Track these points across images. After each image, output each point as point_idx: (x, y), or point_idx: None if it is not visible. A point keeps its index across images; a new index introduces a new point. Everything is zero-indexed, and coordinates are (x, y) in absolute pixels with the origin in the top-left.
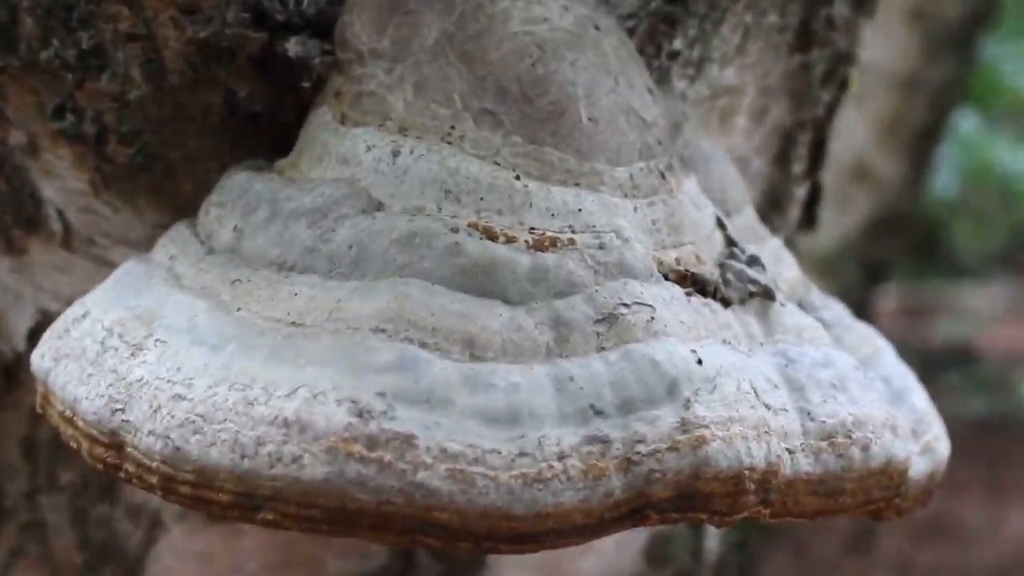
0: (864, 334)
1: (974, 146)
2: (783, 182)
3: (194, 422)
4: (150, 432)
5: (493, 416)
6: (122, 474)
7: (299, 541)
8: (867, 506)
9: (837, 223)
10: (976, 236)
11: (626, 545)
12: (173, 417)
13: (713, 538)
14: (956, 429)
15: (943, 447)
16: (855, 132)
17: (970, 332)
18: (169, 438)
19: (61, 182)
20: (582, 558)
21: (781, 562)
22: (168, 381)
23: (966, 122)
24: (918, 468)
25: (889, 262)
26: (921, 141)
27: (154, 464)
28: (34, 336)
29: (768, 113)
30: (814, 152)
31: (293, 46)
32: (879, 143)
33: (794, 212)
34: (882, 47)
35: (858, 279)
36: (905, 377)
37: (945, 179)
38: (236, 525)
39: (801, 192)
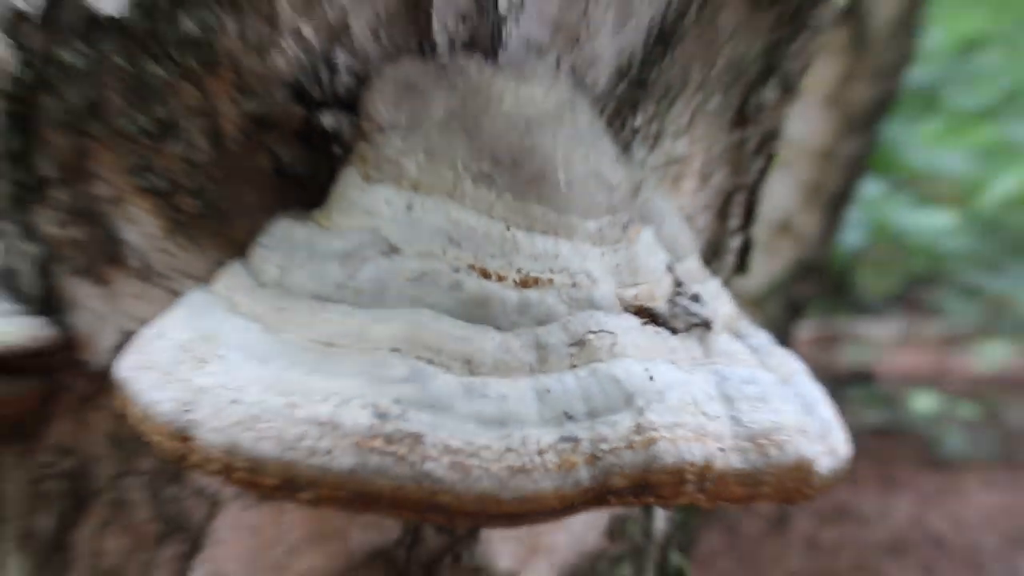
0: (784, 358)
1: (877, 207)
2: (722, 234)
3: (248, 421)
4: (212, 429)
5: (486, 419)
6: (189, 463)
7: (330, 517)
8: (782, 494)
9: (765, 268)
10: (877, 280)
11: (591, 524)
12: (231, 417)
13: (661, 519)
14: (857, 435)
15: (844, 449)
16: (782, 195)
17: (870, 358)
18: (228, 434)
19: (140, 227)
20: (557, 534)
21: (716, 539)
22: (227, 388)
23: (872, 188)
24: (824, 464)
25: (807, 300)
26: (835, 203)
27: (215, 455)
28: (117, 352)
29: (712, 177)
30: (747, 210)
31: (327, 119)
32: (801, 204)
33: (730, 259)
34: (805, 125)
35: (782, 314)
36: (816, 393)
37: (853, 234)
38: (280, 503)
39: (736, 243)
